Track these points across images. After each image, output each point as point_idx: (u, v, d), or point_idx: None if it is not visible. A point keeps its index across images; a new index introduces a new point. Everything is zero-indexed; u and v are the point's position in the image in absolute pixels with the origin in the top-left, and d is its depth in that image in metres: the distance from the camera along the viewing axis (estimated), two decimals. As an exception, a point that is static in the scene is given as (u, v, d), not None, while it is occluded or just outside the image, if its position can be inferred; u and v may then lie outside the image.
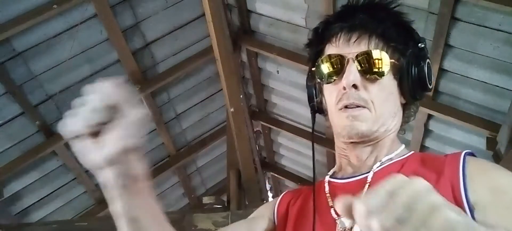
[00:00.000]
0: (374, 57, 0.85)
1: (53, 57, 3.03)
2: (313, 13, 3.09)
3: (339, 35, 0.89)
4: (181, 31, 3.50)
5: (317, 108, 0.96)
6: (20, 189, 3.52)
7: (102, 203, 4.06)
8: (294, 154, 4.66)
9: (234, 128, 3.39)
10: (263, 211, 1.00)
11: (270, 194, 5.47)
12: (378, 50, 0.85)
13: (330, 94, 0.89)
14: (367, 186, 0.84)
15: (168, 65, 3.63)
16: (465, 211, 0.71)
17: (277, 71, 3.77)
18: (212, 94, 4.17)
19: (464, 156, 0.79)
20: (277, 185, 5.45)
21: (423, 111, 3.13)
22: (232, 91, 3.21)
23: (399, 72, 0.88)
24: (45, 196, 3.71)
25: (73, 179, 3.79)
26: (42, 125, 3.28)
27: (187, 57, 3.67)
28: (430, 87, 0.90)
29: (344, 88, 0.85)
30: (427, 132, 3.35)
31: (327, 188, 0.91)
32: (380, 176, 0.84)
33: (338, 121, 0.87)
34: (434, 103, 3.02)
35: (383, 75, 0.85)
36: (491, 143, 2.82)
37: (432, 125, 3.28)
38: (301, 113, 4.01)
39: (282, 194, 1.01)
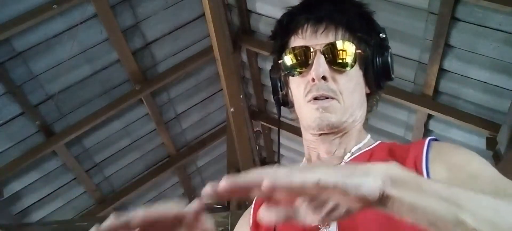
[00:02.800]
0: (341, 49, 0.85)
1: (53, 57, 3.03)
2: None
3: (305, 26, 0.88)
4: (181, 31, 3.50)
5: (282, 101, 0.97)
6: (20, 189, 3.52)
7: (102, 203, 4.07)
8: (294, 154, 4.66)
9: (234, 128, 3.39)
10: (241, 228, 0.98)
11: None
12: (345, 41, 0.86)
13: (298, 86, 0.89)
14: None
15: (168, 65, 3.63)
16: None
17: (277, 71, 3.76)
18: (212, 94, 4.17)
19: (429, 142, 0.81)
20: (277, 185, 5.44)
21: (423, 111, 3.13)
22: (232, 91, 3.21)
23: (364, 63, 0.89)
24: (45, 196, 3.71)
25: (73, 179, 3.79)
26: (42, 125, 3.28)
27: (187, 57, 3.66)
28: (393, 76, 0.91)
29: (313, 80, 0.85)
30: (427, 132, 3.34)
31: None
32: None
33: (307, 113, 0.87)
34: (434, 103, 3.02)
35: (351, 66, 0.86)
36: (491, 143, 2.82)
37: (432, 125, 3.27)
38: (301, 113, 4.01)
39: (255, 199, 0.98)
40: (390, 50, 0.91)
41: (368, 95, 0.93)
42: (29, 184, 3.55)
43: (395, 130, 3.56)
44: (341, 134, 0.88)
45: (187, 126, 4.28)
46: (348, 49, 0.85)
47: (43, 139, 3.36)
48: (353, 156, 0.88)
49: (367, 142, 0.91)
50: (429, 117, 3.20)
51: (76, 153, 3.66)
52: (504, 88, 2.66)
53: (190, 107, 4.13)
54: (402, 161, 0.79)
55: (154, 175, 4.31)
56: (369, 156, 0.86)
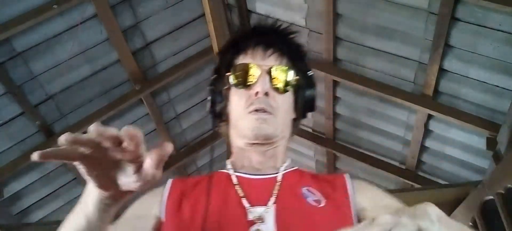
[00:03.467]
0: (284, 72, 1.00)
1: (53, 57, 3.03)
2: (313, 13, 3.09)
3: (256, 48, 1.02)
4: (181, 31, 3.50)
5: (219, 112, 1.07)
6: (20, 189, 3.52)
7: (102, 203, 4.06)
8: (294, 154, 4.67)
9: (234, 128, 3.38)
10: (147, 207, 0.97)
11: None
12: (287, 68, 1.01)
13: (240, 99, 0.99)
14: (277, 184, 0.95)
15: (168, 65, 3.63)
16: (352, 216, 0.92)
17: (277, 71, 3.76)
18: (212, 95, 4.16)
19: (348, 177, 0.99)
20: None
21: (423, 111, 3.13)
22: (232, 91, 3.21)
23: (297, 90, 1.04)
24: (45, 196, 3.71)
25: (73, 179, 3.79)
26: (42, 125, 3.28)
27: (187, 57, 3.66)
28: (314, 110, 1.08)
29: (256, 94, 0.96)
30: (427, 132, 3.35)
31: (235, 180, 0.97)
32: (288, 177, 0.97)
33: (247, 123, 0.97)
34: (434, 103, 3.02)
35: (289, 89, 1.01)
36: (491, 143, 2.83)
37: (432, 125, 3.28)
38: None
39: (168, 184, 0.99)
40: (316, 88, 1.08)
41: (292, 120, 1.06)
42: (29, 184, 3.55)
43: (395, 130, 3.56)
44: (272, 146, 0.99)
45: (187, 126, 4.28)
46: (288, 75, 1.00)
47: (43, 139, 3.36)
48: (286, 171, 0.99)
49: (290, 163, 1.03)
50: (429, 117, 3.21)
51: (76, 153, 3.65)
52: (504, 88, 2.66)
53: (190, 107, 4.13)
54: (331, 189, 0.95)
55: (154, 175, 4.31)
56: (299, 176, 0.99)
